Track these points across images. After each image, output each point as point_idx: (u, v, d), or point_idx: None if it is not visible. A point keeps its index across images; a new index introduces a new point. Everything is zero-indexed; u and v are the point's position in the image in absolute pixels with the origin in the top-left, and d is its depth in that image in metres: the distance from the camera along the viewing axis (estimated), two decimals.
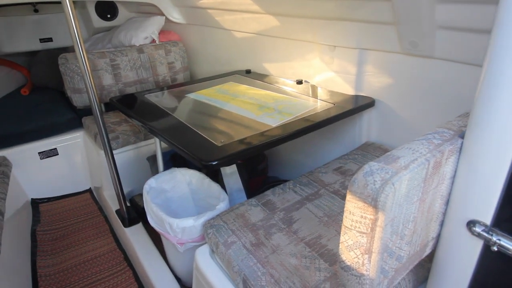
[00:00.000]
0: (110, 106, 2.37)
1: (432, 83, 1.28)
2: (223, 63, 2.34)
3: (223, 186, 1.44)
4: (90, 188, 2.42)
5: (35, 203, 2.23)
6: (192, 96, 1.70)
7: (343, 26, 1.47)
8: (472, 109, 0.64)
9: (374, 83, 1.49)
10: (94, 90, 1.47)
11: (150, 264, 1.54)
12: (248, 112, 1.45)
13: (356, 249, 0.64)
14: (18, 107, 2.52)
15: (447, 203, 0.74)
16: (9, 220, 1.77)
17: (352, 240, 0.64)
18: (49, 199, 2.28)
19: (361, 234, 0.62)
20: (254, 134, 1.23)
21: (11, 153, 2.08)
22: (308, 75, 1.78)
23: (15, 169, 2.09)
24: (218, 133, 1.26)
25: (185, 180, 1.55)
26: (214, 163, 1.08)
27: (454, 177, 0.71)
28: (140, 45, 2.37)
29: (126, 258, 1.78)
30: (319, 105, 1.48)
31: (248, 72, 2.09)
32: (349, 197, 0.62)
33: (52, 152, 2.22)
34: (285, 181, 1.96)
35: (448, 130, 0.74)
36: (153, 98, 1.70)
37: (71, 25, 1.32)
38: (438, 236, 0.78)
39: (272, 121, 1.33)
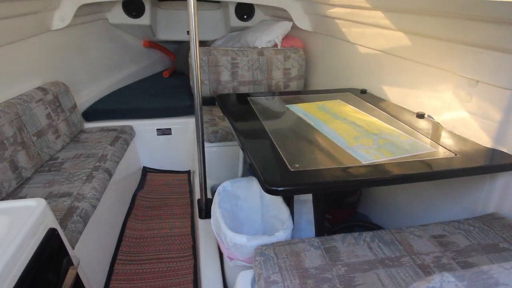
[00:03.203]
0: None
1: None
2: (340, 77, 2.16)
3: (293, 212, 1.31)
4: (190, 170, 2.64)
5: (145, 171, 2.56)
6: (291, 108, 1.61)
7: (494, 56, 1.12)
8: None
9: None
10: (199, 85, 1.55)
11: (206, 262, 1.55)
12: (341, 138, 1.27)
13: None
14: (155, 86, 2.96)
15: None
16: (120, 180, 2.07)
17: None
18: (156, 170, 2.59)
19: None
20: (336, 168, 1.06)
21: (137, 124, 2.44)
22: (434, 109, 1.45)
23: (137, 139, 2.44)
24: (297, 156, 1.13)
25: (259, 192, 1.48)
26: (279, 189, 0.97)
27: None
28: (262, 47, 2.41)
29: (194, 247, 1.85)
30: (436, 150, 1.18)
31: (363, 92, 1.87)
32: None
33: (167, 131, 2.50)
34: (375, 225, 1.68)
35: None
36: (256, 101, 1.69)
37: (192, 24, 1.41)
38: None
39: (364, 157, 1.12)
